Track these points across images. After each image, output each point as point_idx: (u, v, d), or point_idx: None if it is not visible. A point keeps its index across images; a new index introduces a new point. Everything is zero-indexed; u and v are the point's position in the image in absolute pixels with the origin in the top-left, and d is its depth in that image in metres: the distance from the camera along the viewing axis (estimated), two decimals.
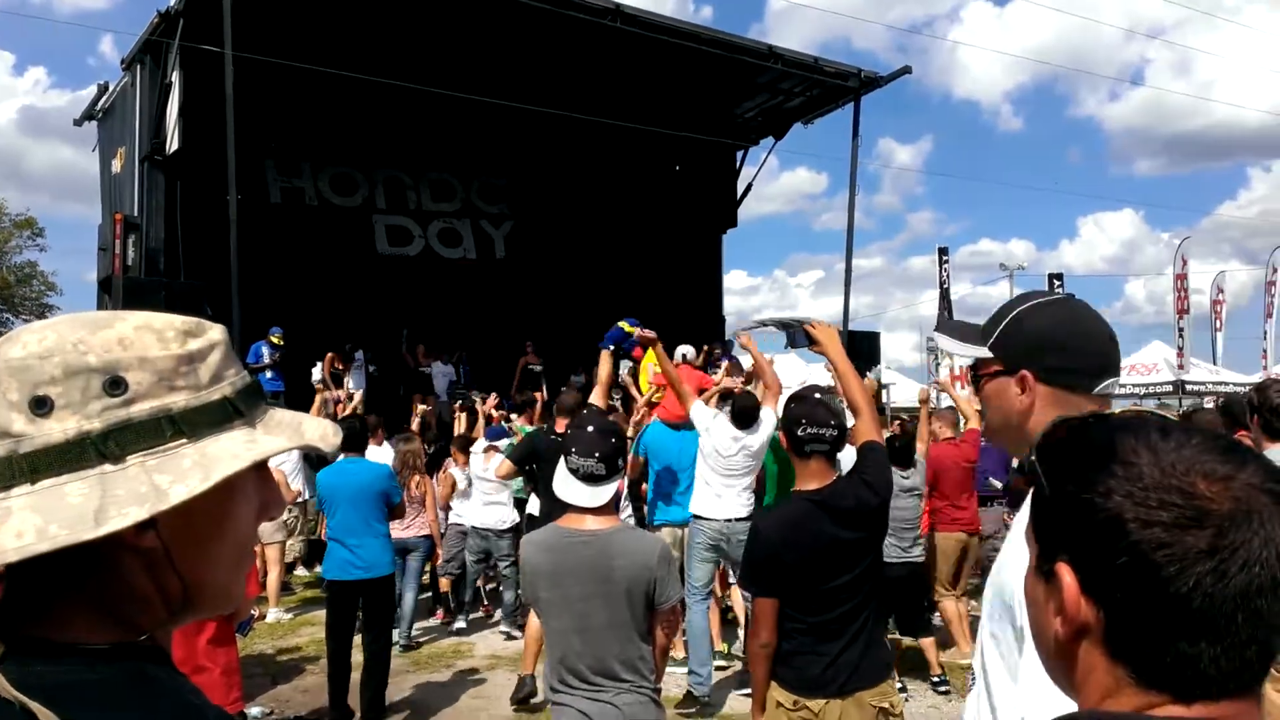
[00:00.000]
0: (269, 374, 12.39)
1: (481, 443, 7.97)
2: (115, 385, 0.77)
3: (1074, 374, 1.49)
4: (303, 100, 14.32)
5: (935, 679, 6.21)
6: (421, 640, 7.56)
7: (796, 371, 15.99)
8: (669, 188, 18.60)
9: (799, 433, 2.92)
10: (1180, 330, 18.59)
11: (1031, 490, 0.86)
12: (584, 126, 15.02)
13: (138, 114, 12.57)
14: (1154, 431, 0.77)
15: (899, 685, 5.94)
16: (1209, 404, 16.60)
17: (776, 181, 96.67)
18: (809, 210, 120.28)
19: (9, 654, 0.74)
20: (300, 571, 10.16)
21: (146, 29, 12.10)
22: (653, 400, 7.54)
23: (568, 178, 17.52)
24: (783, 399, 3.11)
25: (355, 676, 5.67)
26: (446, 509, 8.29)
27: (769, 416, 5.99)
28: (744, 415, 5.98)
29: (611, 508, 2.83)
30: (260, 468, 0.86)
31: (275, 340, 12.58)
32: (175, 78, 11.81)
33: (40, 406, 0.75)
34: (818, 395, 2.98)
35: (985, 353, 1.55)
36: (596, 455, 2.74)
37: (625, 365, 13.63)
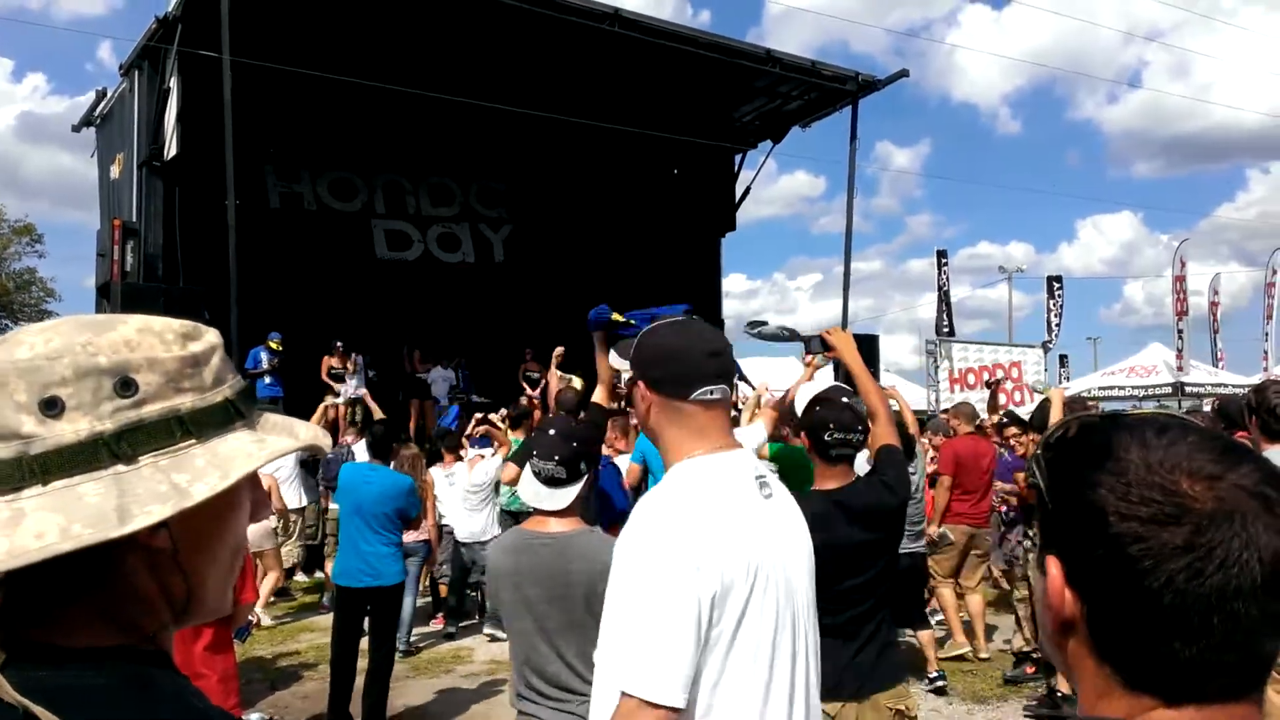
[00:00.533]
0: (268, 379, 12.40)
1: (470, 452, 7.94)
2: (126, 386, 0.77)
3: (671, 383, 1.74)
4: (301, 105, 14.33)
5: (932, 675, 6.19)
6: (421, 645, 7.56)
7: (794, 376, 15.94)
8: (667, 191, 18.62)
9: (826, 437, 2.92)
10: (1179, 332, 18.60)
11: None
12: (582, 131, 15.03)
13: (136, 120, 12.59)
14: (1151, 430, 0.78)
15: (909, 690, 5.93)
16: (1207, 406, 16.61)
17: (775, 185, 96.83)
18: (808, 214, 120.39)
19: (10, 658, 0.74)
20: (300, 577, 10.16)
21: (145, 35, 12.12)
22: None
23: (566, 182, 17.54)
24: (804, 397, 3.07)
25: (356, 682, 5.66)
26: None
27: (756, 431, 5.80)
28: None
29: (575, 510, 2.83)
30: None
31: (274, 346, 12.58)
32: (173, 83, 11.83)
33: (51, 407, 0.75)
34: (845, 400, 2.95)
35: (627, 366, 1.84)
36: (556, 459, 2.75)
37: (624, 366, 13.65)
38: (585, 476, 2.83)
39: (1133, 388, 19.07)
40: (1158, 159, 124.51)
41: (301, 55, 12.63)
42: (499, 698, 6.11)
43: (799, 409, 3.08)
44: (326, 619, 7.09)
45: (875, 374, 11.41)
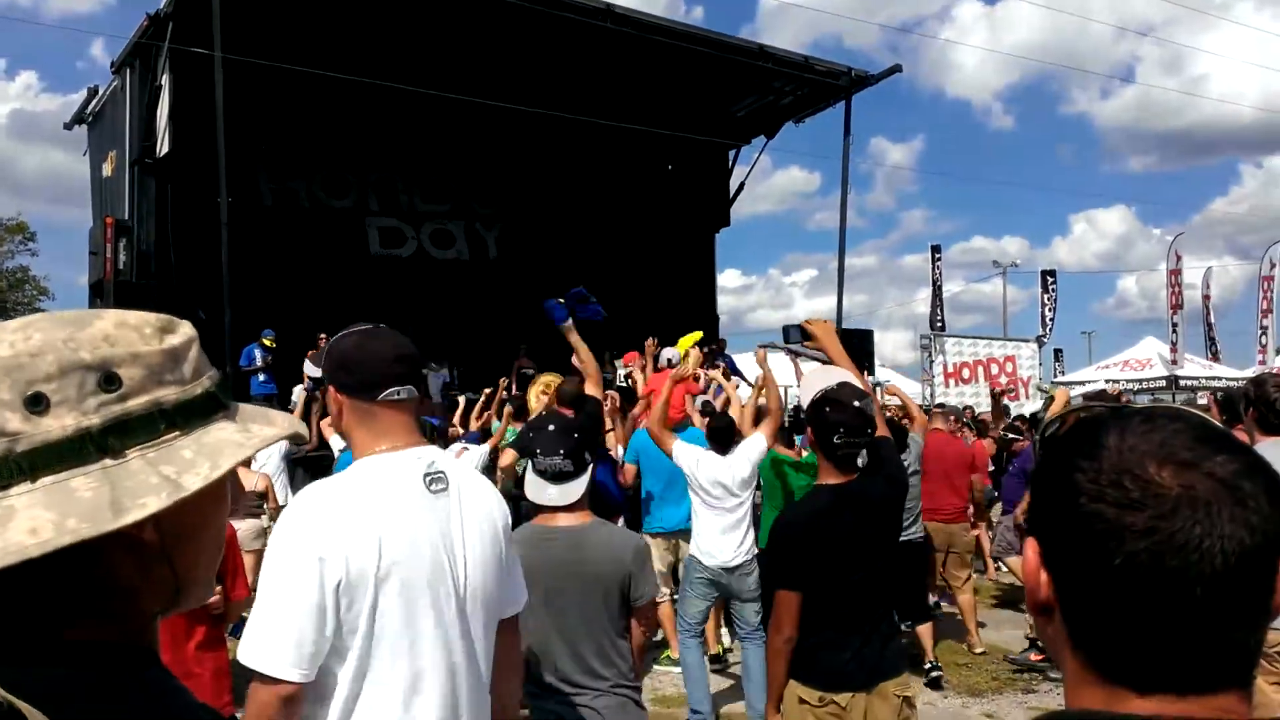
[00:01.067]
0: (261, 377, 12.38)
1: (456, 445, 7.92)
2: (110, 381, 0.77)
3: (355, 387, 1.88)
4: (294, 102, 14.29)
5: (927, 666, 6.19)
6: None
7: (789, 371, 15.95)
8: (661, 187, 18.62)
9: (835, 440, 2.91)
10: (1174, 326, 18.64)
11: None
12: (576, 127, 15.02)
13: (128, 117, 12.55)
14: (1138, 419, 0.79)
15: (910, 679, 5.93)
16: (1202, 399, 16.65)
17: (770, 181, 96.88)
18: (802, 209, 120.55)
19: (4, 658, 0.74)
20: None
21: (136, 32, 12.07)
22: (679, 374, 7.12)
23: (560, 178, 17.52)
24: (809, 391, 3.04)
25: None
26: None
27: (757, 443, 5.75)
28: (720, 435, 5.71)
29: (584, 503, 2.83)
30: None
31: (267, 343, 12.55)
32: (165, 81, 11.79)
33: (36, 404, 0.74)
34: (856, 404, 2.91)
35: (318, 372, 1.89)
36: (561, 453, 2.74)
37: (624, 371, 13.63)
38: (590, 466, 2.83)
39: (1127, 381, 19.13)
40: (1151, 153, 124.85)
41: (293, 52, 12.59)
42: None
43: (805, 398, 3.06)
44: None
45: (870, 370, 11.41)
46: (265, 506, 6.98)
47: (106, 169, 13.58)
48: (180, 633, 2.94)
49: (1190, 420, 0.78)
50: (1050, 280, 24.18)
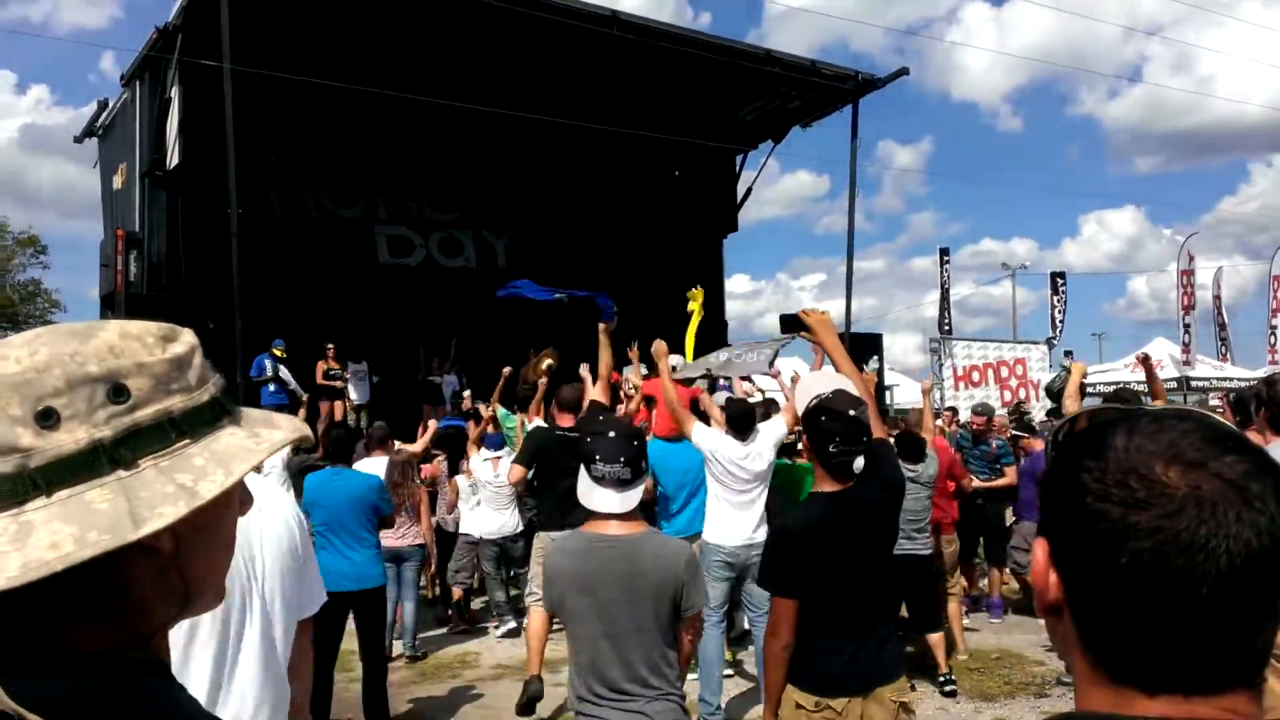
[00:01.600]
0: (272, 387, 12.42)
1: (484, 452, 7.94)
2: (118, 393, 0.78)
3: None
4: (302, 113, 14.36)
5: (942, 678, 6.18)
6: (427, 650, 7.54)
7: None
8: (669, 193, 18.62)
9: (830, 449, 2.90)
10: (1186, 326, 18.54)
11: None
12: (583, 134, 15.05)
13: (138, 130, 12.64)
14: (1147, 419, 0.79)
15: (909, 685, 5.91)
16: (1214, 400, 16.56)
17: (778, 185, 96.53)
18: (811, 213, 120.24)
19: (4, 666, 0.74)
20: None
21: (145, 45, 12.16)
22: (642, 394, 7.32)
23: (568, 185, 17.55)
24: (805, 396, 3.02)
25: (347, 691, 5.66)
26: (451, 513, 8.36)
27: (776, 427, 5.87)
28: (741, 421, 5.82)
29: (638, 512, 2.81)
30: None
31: (278, 353, 12.61)
32: (175, 93, 11.87)
33: (47, 419, 0.75)
34: (851, 413, 2.89)
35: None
36: (622, 460, 2.71)
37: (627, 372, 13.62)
38: (646, 473, 2.81)
39: (1138, 382, 18.99)
40: (1160, 153, 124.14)
41: (302, 63, 12.65)
42: (505, 703, 6.09)
43: (801, 401, 3.04)
44: None
45: (880, 374, 11.36)
46: None
47: (117, 181, 13.67)
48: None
49: (1199, 421, 0.78)
50: (1060, 282, 24.09)
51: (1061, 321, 23.77)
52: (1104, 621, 0.75)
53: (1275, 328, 20.13)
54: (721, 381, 9.28)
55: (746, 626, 6.67)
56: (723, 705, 5.64)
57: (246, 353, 11.52)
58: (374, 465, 7.61)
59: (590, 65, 14.27)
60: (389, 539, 7.15)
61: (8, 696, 0.70)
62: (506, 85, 14.45)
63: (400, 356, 14.88)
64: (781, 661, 2.90)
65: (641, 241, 17.82)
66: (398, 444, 7.67)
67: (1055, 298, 23.86)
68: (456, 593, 8.33)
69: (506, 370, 8.59)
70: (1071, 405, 5.89)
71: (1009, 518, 8.45)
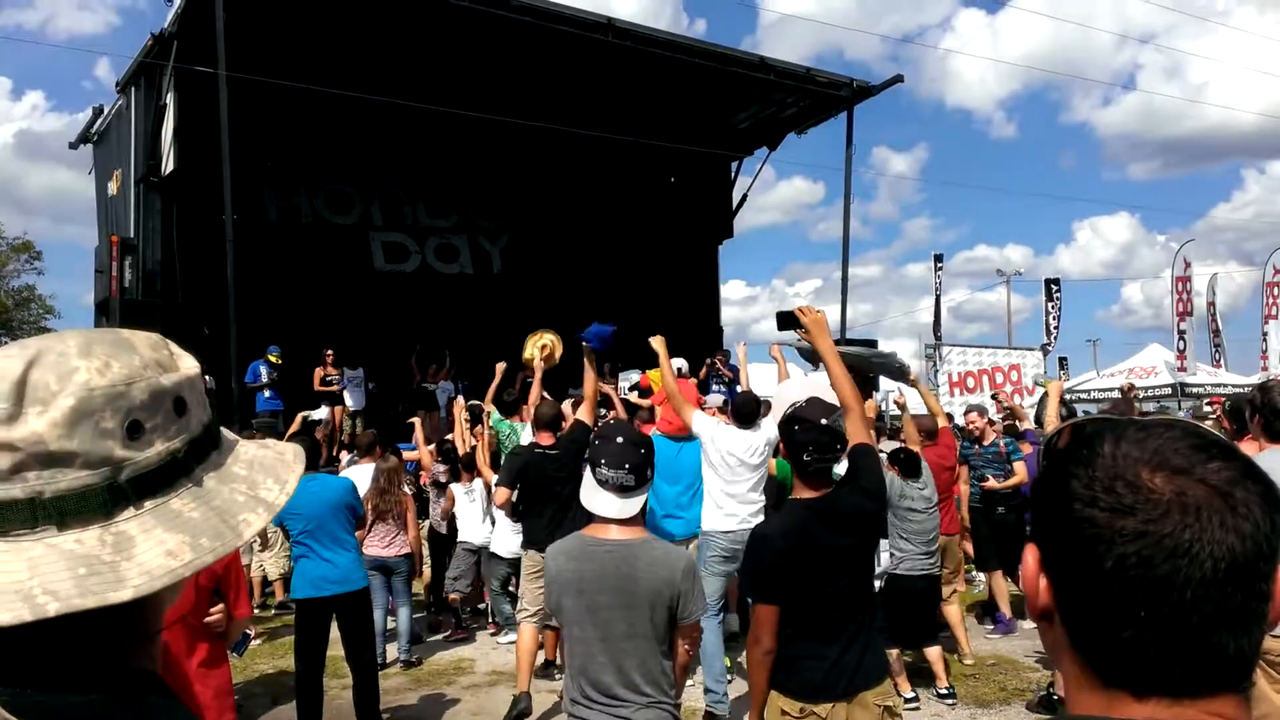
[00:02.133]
0: (268, 393, 12.39)
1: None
2: (180, 406, 0.81)
3: None
4: (298, 119, 14.36)
5: (943, 691, 6.16)
6: (422, 657, 7.52)
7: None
8: (664, 200, 18.65)
9: (805, 458, 2.93)
10: (1182, 333, 18.54)
11: None
12: (579, 141, 15.06)
13: (133, 136, 12.63)
14: (1134, 428, 0.80)
15: (911, 695, 5.89)
16: (1208, 406, 16.58)
17: (774, 192, 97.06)
18: (806, 220, 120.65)
19: (3, 680, 0.74)
20: None
21: (141, 51, 12.17)
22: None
23: (564, 192, 17.56)
24: (781, 404, 3.03)
25: (338, 699, 5.63)
26: (450, 520, 8.37)
27: (769, 427, 5.92)
28: (745, 412, 5.96)
29: (640, 519, 2.82)
30: None
31: (273, 359, 12.58)
32: (170, 99, 11.87)
33: (136, 432, 0.77)
34: (824, 421, 2.91)
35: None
36: (626, 466, 2.73)
37: (626, 381, 13.62)
38: (650, 481, 2.83)
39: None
40: (1154, 160, 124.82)
41: (297, 69, 12.66)
42: (500, 709, 6.07)
43: (778, 409, 3.04)
44: None
45: (875, 384, 11.32)
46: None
47: (112, 187, 13.65)
48: (181, 650, 2.93)
49: (1185, 429, 0.79)
50: (1054, 288, 24.13)
51: (1056, 328, 23.80)
52: (1092, 625, 0.76)
53: (1268, 334, 20.17)
54: (715, 386, 9.29)
55: (736, 629, 6.68)
56: (728, 693, 5.69)
57: (241, 359, 11.50)
58: (362, 473, 7.58)
59: (586, 72, 14.30)
60: (375, 548, 7.13)
61: (3, 709, 0.71)
62: (502, 92, 14.47)
63: (395, 363, 14.86)
64: (764, 667, 2.91)
65: (637, 248, 17.84)
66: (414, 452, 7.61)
67: (1050, 304, 23.90)
68: (454, 599, 8.31)
69: (501, 366, 8.50)
70: (1054, 422, 5.94)
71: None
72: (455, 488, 8.25)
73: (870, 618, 2.98)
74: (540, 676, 6.47)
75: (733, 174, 18.85)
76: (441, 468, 8.55)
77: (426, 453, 8.98)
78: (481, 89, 14.31)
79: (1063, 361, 27.86)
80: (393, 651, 7.32)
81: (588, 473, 2.81)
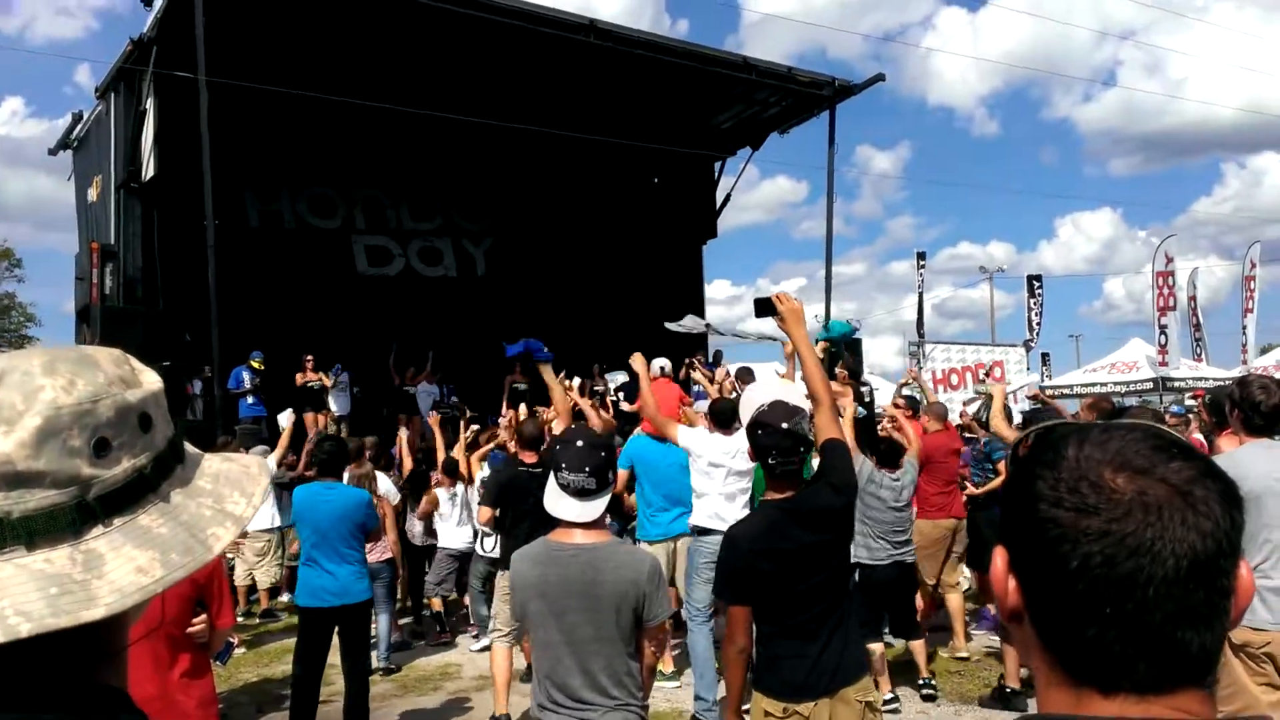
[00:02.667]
0: (250, 399, 12.33)
1: (486, 469, 7.85)
2: (146, 421, 0.80)
3: None
4: (279, 123, 14.30)
5: (921, 681, 6.19)
6: (404, 663, 7.49)
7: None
8: (648, 200, 18.66)
9: (770, 461, 2.97)
10: (1163, 327, 18.63)
11: None
12: (562, 142, 15.05)
13: (113, 142, 12.55)
14: (1097, 430, 0.82)
15: (891, 696, 5.91)
16: (1190, 400, 16.69)
17: (757, 191, 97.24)
18: (789, 218, 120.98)
19: None
20: (285, 598, 10.07)
21: (120, 57, 12.10)
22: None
23: (547, 193, 17.55)
24: (748, 409, 3.04)
25: (327, 706, 5.62)
26: (429, 524, 8.33)
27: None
28: (723, 417, 5.96)
29: (602, 522, 2.83)
30: None
31: (256, 365, 12.52)
32: (150, 105, 11.80)
33: (103, 449, 0.76)
34: (785, 425, 2.92)
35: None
36: (586, 470, 2.74)
37: (613, 381, 13.62)
38: (611, 485, 2.84)
39: (1115, 384, 19.12)
40: (1134, 156, 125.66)
41: (278, 74, 12.60)
42: (487, 715, 6.06)
43: (745, 414, 3.05)
44: None
45: (859, 375, 11.36)
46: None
47: (92, 194, 13.56)
48: (164, 661, 2.91)
49: (1147, 431, 0.81)
50: (1036, 285, 24.24)
51: (1038, 324, 23.91)
52: (1060, 624, 0.78)
53: (1247, 328, 20.32)
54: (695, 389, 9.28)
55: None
56: (718, 701, 5.66)
57: (224, 365, 11.43)
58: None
59: (568, 73, 14.29)
60: None
61: None
62: (485, 94, 14.44)
63: (380, 368, 14.80)
64: (739, 664, 2.94)
65: (621, 248, 17.85)
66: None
67: (1032, 300, 24.01)
68: (436, 604, 8.29)
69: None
70: (998, 424, 6.00)
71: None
72: (438, 492, 8.23)
73: (848, 613, 3.00)
74: (525, 681, 6.46)
75: (716, 174, 18.88)
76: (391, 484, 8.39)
77: (409, 459, 8.96)
78: (464, 91, 14.28)
79: (1045, 357, 27.99)
80: (374, 659, 7.30)
81: (551, 478, 2.82)
